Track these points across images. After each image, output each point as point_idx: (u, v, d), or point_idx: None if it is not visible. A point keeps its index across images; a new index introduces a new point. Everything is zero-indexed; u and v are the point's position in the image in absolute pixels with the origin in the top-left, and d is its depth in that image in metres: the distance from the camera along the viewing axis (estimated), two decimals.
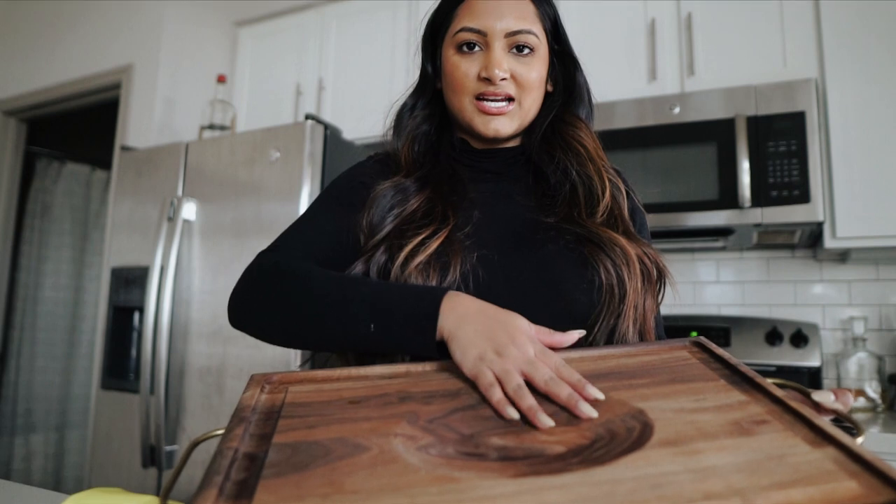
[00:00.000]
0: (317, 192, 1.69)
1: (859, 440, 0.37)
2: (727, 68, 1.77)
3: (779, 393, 0.42)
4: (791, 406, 0.40)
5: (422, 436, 0.40)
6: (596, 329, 0.66)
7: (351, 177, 0.81)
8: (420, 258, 0.66)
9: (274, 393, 0.49)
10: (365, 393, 0.48)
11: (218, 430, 0.46)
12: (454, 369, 0.52)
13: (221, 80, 2.22)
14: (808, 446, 0.36)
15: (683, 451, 0.36)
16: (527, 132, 0.80)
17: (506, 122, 0.74)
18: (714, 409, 0.42)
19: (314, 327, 0.60)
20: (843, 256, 1.81)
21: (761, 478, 0.33)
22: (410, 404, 0.45)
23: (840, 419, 0.49)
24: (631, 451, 0.37)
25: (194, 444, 0.47)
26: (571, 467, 0.35)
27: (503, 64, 0.72)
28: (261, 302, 0.65)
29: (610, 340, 0.66)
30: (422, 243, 0.68)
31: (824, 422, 0.38)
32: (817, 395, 0.50)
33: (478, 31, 0.72)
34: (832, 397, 0.50)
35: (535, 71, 0.74)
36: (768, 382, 0.45)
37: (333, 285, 0.61)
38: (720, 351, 0.52)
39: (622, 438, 0.38)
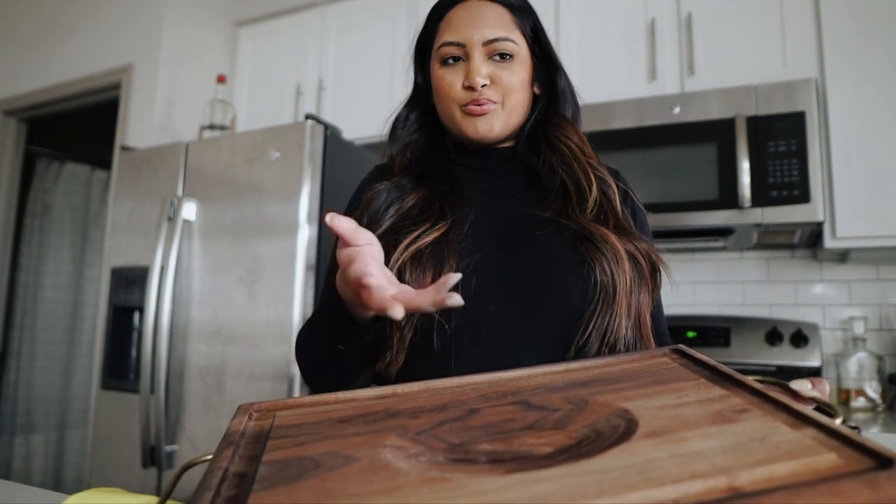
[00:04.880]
0: (317, 192, 1.70)
1: (837, 421, 0.38)
2: (727, 68, 1.77)
3: (758, 386, 0.44)
4: (770, 396, 0.42)
5: (411, 446, 0.41)
6: (591, 326, 0.66)
7: (355, 199, 0.84)
8: (413, 249, 0.68)
9: (262, 420, 0.51)
10: (353, 412, 0.49)
11: (207, 454, 0.47)
12: (440, 388, 0.53)
13: (221, 80, 2.22)
14: (789, 428, 0.37)
15: (668, 440, 0.37)
16: (518, 135, 0.82)
17: (491, 122, 0.77)
18: (696, 403, 0.43)
19: (328, 374, 0.72)
20: (843, 256, 1.81)
21: (745, 457, 0.34)
22: (399, 419, 0.46)
23: (819, 408, 0.50)
24: (617, 444, 0.38)
25: (185, 468, 0.48)
26: (560, 463, 0.36)
27: (482, 71, 0.75)
28: (304, 373, 0.77)
29: (604, 337, 0.67)
30: (418, 237, 0.69)
31: (803, 407, 0.39)
32: (795, 384, 0.52)
33: (457, 44, 0.76)
34: (809, 385, 0.52)
35: (516, 75, 0.76)
36: (748, 378, 0.46)
37: (308, 338, 0.75)
38: (699, 355, 0.53)
39: (608, 435, 0.39)
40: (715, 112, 1.70)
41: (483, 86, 0.74)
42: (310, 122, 1.71)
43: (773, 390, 0.43)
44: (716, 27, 1.81)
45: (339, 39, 2.39)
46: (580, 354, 0.66)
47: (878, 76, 1.62)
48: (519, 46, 0.77)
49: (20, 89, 2.81)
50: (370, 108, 2.23)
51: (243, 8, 2.62)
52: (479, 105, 0.75)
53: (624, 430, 0.39)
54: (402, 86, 2.18)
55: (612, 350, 0.67)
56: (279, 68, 2.50)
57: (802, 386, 0.51)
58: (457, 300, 0.45)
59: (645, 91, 1.84)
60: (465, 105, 0.76)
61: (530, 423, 0.43)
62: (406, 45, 2.28)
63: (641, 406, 0.43)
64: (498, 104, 0.76)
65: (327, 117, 2.26)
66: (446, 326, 0.67)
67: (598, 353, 0.67)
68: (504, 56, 0.75)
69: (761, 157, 1.63)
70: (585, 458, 0.36)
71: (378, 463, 0.38)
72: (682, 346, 0.57)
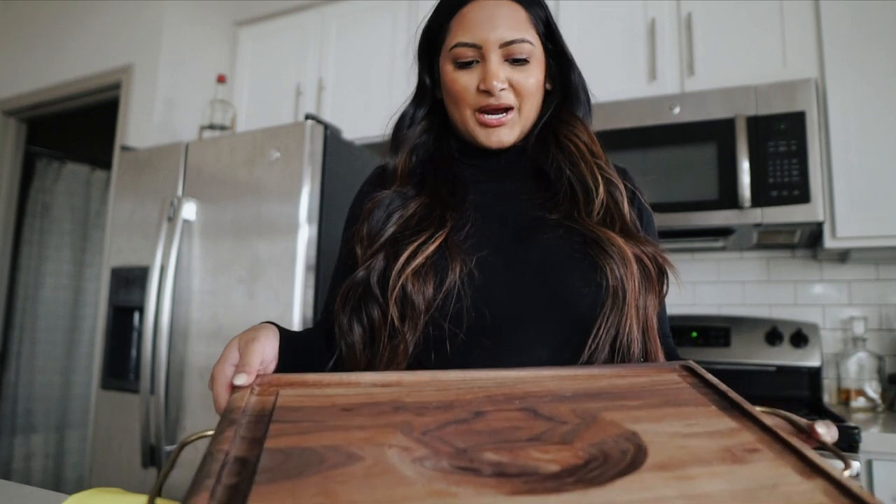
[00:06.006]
0: (317, 192, 1.70)
1: (847, 473, 0.38)
2: (727, 68, 1.77)
3: (768, 422, 0.43)
4: (780, 436, 0.41)
5: (416, 447, 0.41)
6: (601, 330, 0.66)
7: (356, 204, 0.84)
8: (415, 263, 0.67)
9: (264, 395, 0.50)
10: (357, 401, 0.48)
11: (207, 430, 0.46)
12: (446, 382, 0.52)
13: (221, 80, 2.22)
14: (799, 477, 0.37)
15: (678, 476, 0.37)
16: (527, 133, 0.80)
17: (507, 132, 0.75)
18: (706, 434, 0.42)
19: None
20: (843, 256, 1.81)
21: None
22: (404, 414, 0.45)
23: (824, 449, 0.49)
24: (625, 473, 0.37)
25: (183, 445, 0.47)
26: (567, 487, 0.36)
27: (500, 75, 0.73)
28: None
29: (614, 341, 0.66)
30: (418, 249, 0.68)
31: (813, 453, 0.39)
32: (819, 427, 0.49)
33: (473, 45, 0.73)
34: (825, 429, 0.50)
35: (532, 77, 0.75)
36: (757, 410, 0.46)
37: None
38: (710, 376, 0.53)
39: (616, 460, 0.39)
40: (715, 112, 1.69)
41: (501, 90, 0.73)
42: (310, 122, 1.71)
43: (781, 429, 0.42)
44: (716, 27, 1.80)
45: (339, 39, 2.39)
46: (591, 358, 0.66)
47: (878, 76, 1.61)
48: (534, 47, 0.75)
49: (20, 89, 2.80)
50: (370, 108, 2.23)
51: (243, 8, 2.61)
52: (496, 114, 0.74)
53: (632, 457, 0.39)
54: (402, 86, 2.18)
55: (622, 353, 0.66)
56: (279, 68, 2.49)
57: (823, 429, 0.49)
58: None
59: (645, 91, 1.84)
60: (481, 109, 0.74)
61: (537, 434, 0.43)
62: (406, 45, 2.28)
63: (650, 431, 0.42)
64: (515, 110, 0.75)
65: (327, 117, 2.26)
66: (457, 332, 0.66)
67: (609, 356, 0.66)
68: (519, 60, 0.73)
69: (761, 157, 1.63)
70: (593, 486, 0.35)
71: (383, 465, 0.38)
72: (691, 364, 0.56)
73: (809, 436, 0.49)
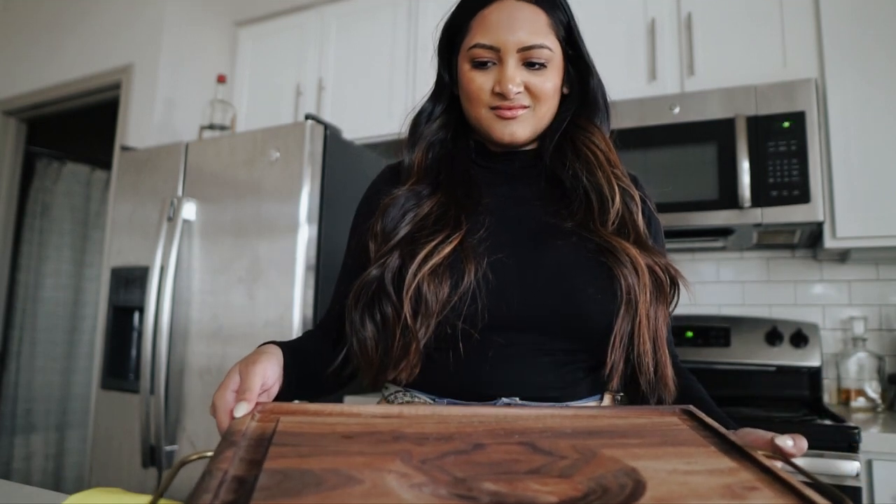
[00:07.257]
0: (317, 192, 1.70)
1: None
2: (727, 68, 1.77)
3: (768, 463, 0.44)
4: (780, 476, 0.42)
5: (415, 474, 0.41)
6: (613, 337, 0.67)
7: (366, 201, 0.84)
8: (432, 263, 0.67)
9: (265, 422, 0.50)
10: (358, 429, 0.49)
11: (206, 451, 0.46)
12: (447, 416, 0.53)
13: (221, 80, 2.22)
14: None
15: None
16: (542, 136, 0.80)
17: (521, 126, 0.75)
18: (705, 472, 0.43)
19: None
20: (843, 256, 1.81)
21: None
22: (404, 444, 0.46)
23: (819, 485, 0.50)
24: None
25: (182, 464, 0.47)
26: None
27: (516, 79, 0.73)
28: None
29: (625, 348, 0.67)
30: (434, 249, 0.68)
31: (813, 493, 0.39)
32: (779, 441, 0.51)
33: (491, 48, 0.73)
34: (790, 442, 0.51)
35: (549, 81, 0.75)
36: (758, 453, 0.46)
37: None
38: (709, 420, 0.54)
39: (615, 493, 0.39)
40: (715, 112, 1.69)
41: (516, 93, 0.73)
42: (310, 122, 1.71)
43: (782, 470, 0.43)
44: (716, 27, 1.80)
45: (339, 39, 2.39)
46: (612, 371, 0.67)
47: (878, 76, 1.61)
48: (552, 52, 0.74)
49: (20, 89, 2.80)
50: (370, 108, 2.23)
51: (243, 8, 2.61)
52: (510, 109, 0.74)
53: (631, 490, 0.39)
54: (402, 85, 2.18)
55: (634, 362, 0.67)
56: (279, 68, 2.50)
57: (784, 442, 0.51)
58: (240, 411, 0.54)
59: (645, 91, 1.84)
60: (495, 108, 0.75)
61: (536, 467, 0.43)
62: (406, 45, 2.28)
63: (650, 467, 0.43)
64: (529, 108, 0.75)
65: (327, 117, 2.26)
66: (472, 332, 0.67)
67: (623, 361, 0.67)
68: (538, 65, 0.73)
69: (761, 157, 1.63)
70: None
71: (381, 489, 0.38)
72: (691, 408, 0.57)
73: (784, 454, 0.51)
